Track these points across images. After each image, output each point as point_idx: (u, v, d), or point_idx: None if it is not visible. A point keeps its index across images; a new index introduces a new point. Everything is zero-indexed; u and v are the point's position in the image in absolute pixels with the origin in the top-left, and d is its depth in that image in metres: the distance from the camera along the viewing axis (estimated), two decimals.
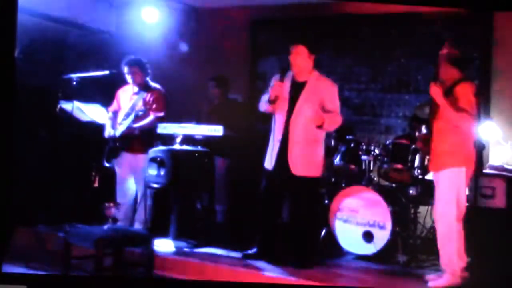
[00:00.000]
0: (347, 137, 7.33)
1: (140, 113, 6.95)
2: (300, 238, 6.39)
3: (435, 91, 5.73)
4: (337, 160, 7.24)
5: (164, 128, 7.02)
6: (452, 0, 6.52)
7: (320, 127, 6.17)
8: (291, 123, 6.25)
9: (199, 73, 8.59)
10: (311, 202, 6.46)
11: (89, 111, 7.36)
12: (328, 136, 7.04)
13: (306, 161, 6.27)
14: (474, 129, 5.83)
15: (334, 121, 6.30)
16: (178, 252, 6.67)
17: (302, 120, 6.23)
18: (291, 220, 6.55)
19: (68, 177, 7.40)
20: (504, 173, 6.53)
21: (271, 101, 6.30)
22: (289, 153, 6.24)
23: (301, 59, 6.31)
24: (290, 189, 6.40)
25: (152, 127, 7.03)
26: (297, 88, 6.34)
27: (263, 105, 6.45)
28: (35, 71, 7.34)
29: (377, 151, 7.12)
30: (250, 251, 6.52)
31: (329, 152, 7.35)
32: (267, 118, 6.50)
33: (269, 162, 6.37)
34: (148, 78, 7.19)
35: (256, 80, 9.13)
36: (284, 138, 6.28)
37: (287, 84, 6.37)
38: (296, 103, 6.28)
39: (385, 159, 6.98)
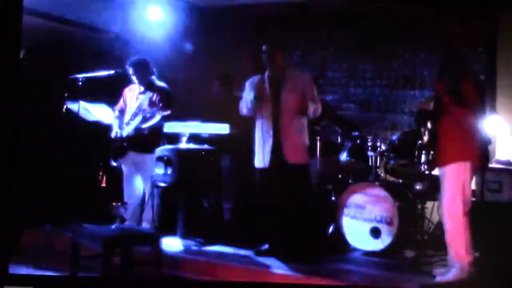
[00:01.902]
0: (353, 133, 7.34)
1: (148, 115, 6.96)
2: (306, 229, 6.48)
3: (440, 87, 5.74)
4: (343, 156, 7.24)
5: (170, 127, 7.03)
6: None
7: (304, 112, 6.45)
8: (280, 116, 6.47)
9: (204, 72, 8.59)
10: (308, 186, 6.75)
11: (95, 111, 7.37)
12: (335, 132, 7.09)
13: (298, 149, 6.53)
14: (478, 124, 5.82)
15: (316, 107, 6.53)
16: (186, 250, 6.69)
17: (289, 112, 6.46)
18: (297, 211, 6.59)
19: (75, 177, 7.41)
20: (511, 167, 6.52)
21: (258, 98, 6.47)
22: (283, 145, 6.44)
23: (276, 57, 6.53)
24: (289, 178, 6.50)
25: (158, 126, 7.03)
26: (276, 84, 6.56)
27: (247, 106, 6.61)
28: (40, 71, 7.35)
29: (383, 147, 7.13)
30: (261, 248, 6.59)
31: (335, 149, 7.38)
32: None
33: (262, 160, 6.53)
34: (153, 77, 7.19)
35: None
36: (275, 132, 6.46)
37: (265, 82, 6.57)
38: (280, 97, 6.50)
39: (392, 155, 6.99)
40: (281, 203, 6.63)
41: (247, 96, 6.61)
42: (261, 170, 6.55)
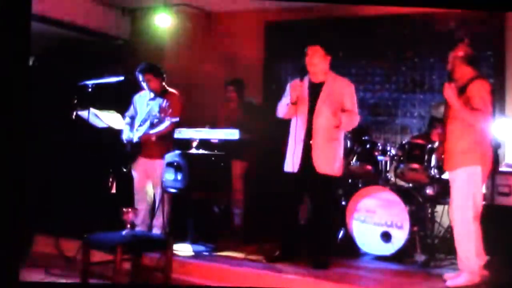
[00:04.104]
0: (363, 137, 7.32)
1: (156, 120, 6.99)
2: (320, 238, 6.42)
3: (448, 91, 5.71)
4: (353, 161, 7.22)
5: (180, 133, 7.03)
6: (464, 2, 6.48)
7: (337, 127, 6.27)
8: (313, 123, 6.32)
9: (214, 77, 8.61)
10: (333, 200, 6.70)
11: (105, 118, 7.39)
12: (345, 137, 7.08)
13: (329, 159, 6.32)
14: (489, 128, 5.80)
15: (352, 120, 6.38)
16: (197, 256, 6.68)
17: (323, 119, 6.30)
18: (314, 219, 6.55)
19: (85, 184, 7.43)
20: None
21: (293, 103, 6.33)
22: (313, 152, 6.29)
23: (318, 59, 6.38)
24: (315, 188, 6.41)
25: (168, 132, 7.04)
26: (315, 89, 6.40)
27: (283, 109, 6.47)
28: (50, 78, 7.38)
29: (393, 151, 7.13)
30: (272, 253, 6.54)
31: (345, 153, 7.38)
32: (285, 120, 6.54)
33: (291, 165, 6.38)
34: (163, 83, 7.21)
35: (271, 83, 9.14)
36: (307, 138, 6.33)
37: (305, 85, 6.42)
38: (316, 103, 6.34)
39: (402, 159, 6.97)
40: (299, 209, 6.63)
41: (285, 99, 6.48)
42: (289, 174, 6.42)
